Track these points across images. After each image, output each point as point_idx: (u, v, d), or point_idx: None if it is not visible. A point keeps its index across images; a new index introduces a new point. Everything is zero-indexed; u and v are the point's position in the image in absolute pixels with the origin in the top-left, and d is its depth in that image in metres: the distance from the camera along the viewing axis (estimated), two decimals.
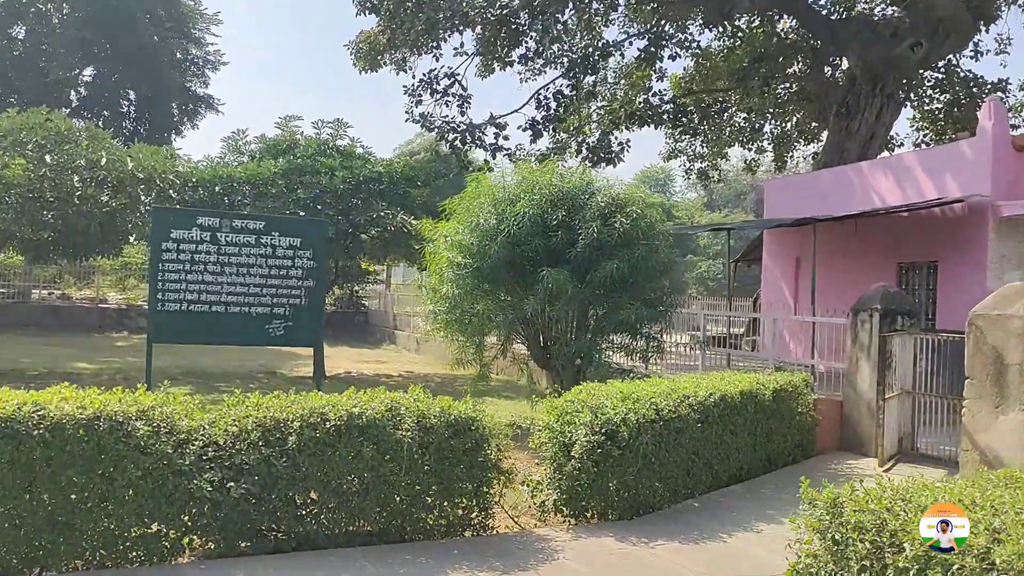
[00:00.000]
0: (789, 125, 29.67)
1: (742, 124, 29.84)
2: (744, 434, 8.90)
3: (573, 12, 22.62)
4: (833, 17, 23.16)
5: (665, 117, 25.26)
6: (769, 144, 30.53)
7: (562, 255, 11.79)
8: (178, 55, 37.80)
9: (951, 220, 14.77)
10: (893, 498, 4.30)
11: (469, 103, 20.10)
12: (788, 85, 26.84)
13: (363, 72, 22.60)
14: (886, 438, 10.00)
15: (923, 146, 26.30)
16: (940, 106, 26.70)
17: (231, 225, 11.84)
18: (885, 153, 23.81)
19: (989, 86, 25.41)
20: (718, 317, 19.31)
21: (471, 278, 12.14)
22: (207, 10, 39.94)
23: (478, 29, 20.88)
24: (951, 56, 22.91)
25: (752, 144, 30.48)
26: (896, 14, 23.68)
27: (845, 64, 24.79)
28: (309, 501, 6.27)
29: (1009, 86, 25.47)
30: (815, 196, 17.97)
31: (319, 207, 18.78)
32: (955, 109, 25.17)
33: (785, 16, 24.12)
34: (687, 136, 29.98)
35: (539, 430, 7.54)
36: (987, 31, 22.85)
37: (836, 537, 4.21)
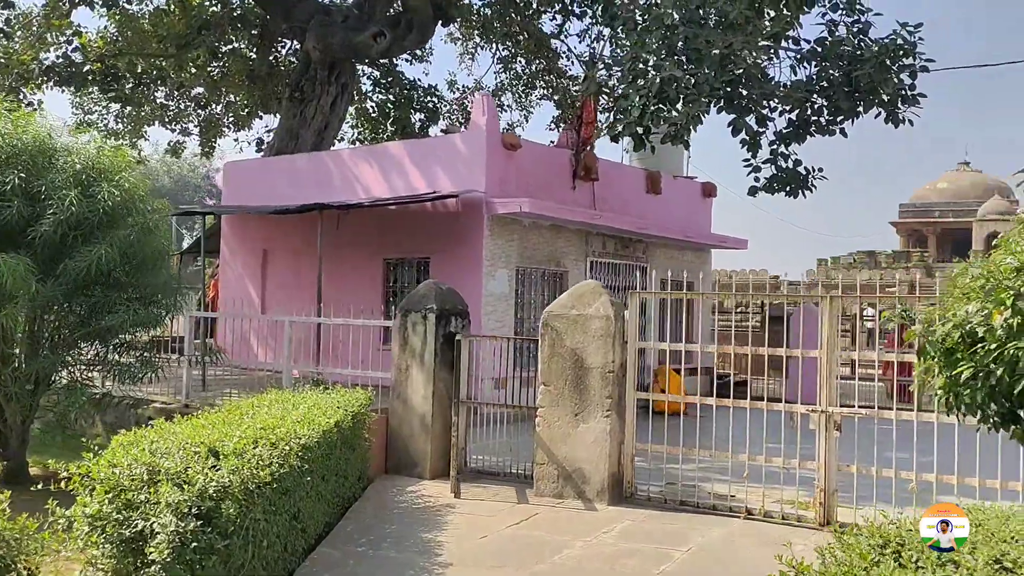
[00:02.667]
0: (219, 107, 27.36)
1: (165, 101, 26.62)
2: (332, 477, 6.79)
3: None
4: None
5: (91, 79, 21.04)
6: (196, 126, 27.83)
7: (18, 236, 8.22)
8: None
9: (444, 216, 14.28)
10: None
11: None
12: (224, 63, 24.53)
13: None
14: (455, 456, 8.71)
15: (360, 143, 26.24)
16: (374, 103, 26.98)
17: None
18: (345, 144, 23.15)
19: (421, 89, 26.39)
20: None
21: None
22: None
23: None
24: (411, 51, 23.10)
25: (177, 124, 27.48)
26: (348, 2, 23.15)
27: (295, 46, 23.51)
28: None
29: (437, 92, 26.78)
30: (288, 183, 16.21)
31: None
32: (392, 109, 25.54)
33: None
34: (100, 107, 25.78)
35: (85, 520, 4.51)
36: (444, 28, 23.63)
37: None
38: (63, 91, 22.31)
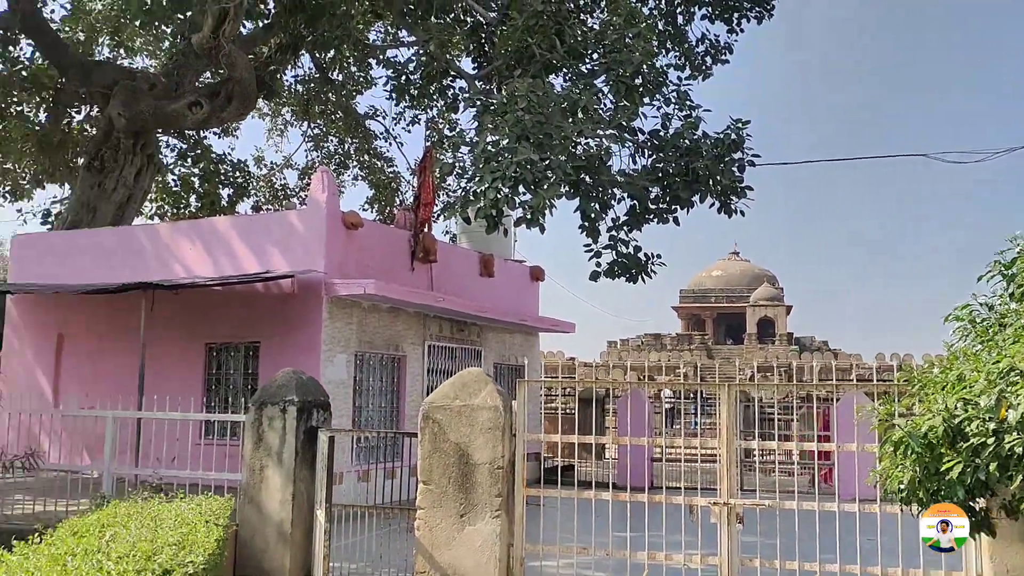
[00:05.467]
0: None
1: None
2: None
3: None
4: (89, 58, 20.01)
5: None
6: None
7: None
8: None
9: (277, 298, 13.26)
10: None
11: None
12: (4, 126, 22.14)
13: None
14: (324, 570, 7.72)
15: (160, 219, 24.45)
16: (176, 177, 25.31)
17: None
18: (142, 219, 21.36)
19: (230, 164, 25.10)
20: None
21: None
22: None
23: None
24: (228, 124, 21.84)
25: None
26: (155, 69, 21.73)
27: (87, 111, 21.70)
28: None
29: (246, 167, 25.56)
30: (92, 259, 14.57)
31: None
32: (202, 183, 24.06)
33: (24, 43, 19.87)
34: None
35: None
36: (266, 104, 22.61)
37: None
38: None
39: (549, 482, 8.17)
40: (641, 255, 13.96)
